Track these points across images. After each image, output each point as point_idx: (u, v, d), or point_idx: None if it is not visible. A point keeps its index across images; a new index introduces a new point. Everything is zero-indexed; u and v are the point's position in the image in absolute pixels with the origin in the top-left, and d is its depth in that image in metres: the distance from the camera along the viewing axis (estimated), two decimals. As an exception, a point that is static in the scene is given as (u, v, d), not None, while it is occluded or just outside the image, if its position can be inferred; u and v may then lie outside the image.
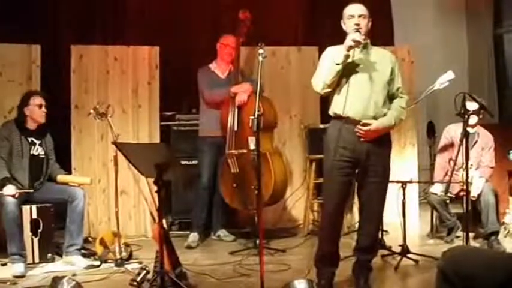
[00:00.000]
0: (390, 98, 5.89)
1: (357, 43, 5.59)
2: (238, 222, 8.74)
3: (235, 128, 7.88)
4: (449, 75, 7.26)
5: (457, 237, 7.84)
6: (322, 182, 6.15)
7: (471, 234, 6.76)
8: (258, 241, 6.39)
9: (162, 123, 8.92)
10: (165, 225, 5.90)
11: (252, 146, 7.20)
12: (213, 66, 8.37)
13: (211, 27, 9.52)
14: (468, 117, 6.60)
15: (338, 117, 5.77)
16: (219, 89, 8.08)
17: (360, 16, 5.79)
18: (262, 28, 8.48)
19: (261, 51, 5.66)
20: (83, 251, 7.33)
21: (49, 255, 7.20)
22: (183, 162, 8.12)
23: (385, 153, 5.93)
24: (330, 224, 5.92)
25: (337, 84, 5.73)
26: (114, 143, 6.36)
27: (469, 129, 6.75)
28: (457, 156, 7.02)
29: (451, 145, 7.95)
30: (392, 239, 7.68)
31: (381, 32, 10.61)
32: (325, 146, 5.98)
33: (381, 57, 5.92)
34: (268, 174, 7.38)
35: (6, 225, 6.84)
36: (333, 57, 5.70)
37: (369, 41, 5.84)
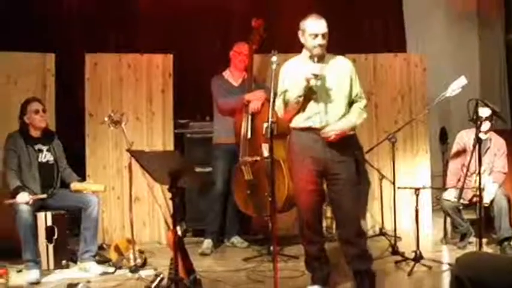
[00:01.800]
0: (350, 103, 5.96)
1: (316, 77, 5.67)
2: (251, 229, 8.76)
3: (249, 136, 7.89)
4: (462, 81, 7.26)
5: (470, 243, 7.84)
6: (294, 191, 6.19)
7: (484, 240, 6.77)
8: (271, 248, 6.41)
9: (176, 130, 8.95)
10: (179, 232, 5.92)
11: (266, 153, 7.25)
12: (226, 74, 8.40)
13: (225, 35, 9.56)
14: (481, 123, 6.61)
15: (301, 129, 5.87)
16: (233, 97, 8.10)
17: (323, 36, 5.83)
18: (275, 35, 8.51)
19: (274, 58, 5.66)
20: (97, 257, 7.35)
21: (64, 261, 7.24)
22: (197, 170, 8.13)
23: (349, 160, 5.96)
24: (309, 230, 6.03)
25: None
26: (129, 150, 6.40)
27: (482, 135, 6.74)
28: (469, 162, 7.02)
29: (464, 151, 7.95)
30: (405, 245, 7.68)
31: (393, 40, 10.69)
32: (289, 157, 6.10)
33: (338, 66, 5.99)
34: (282, 181, 7.39)
35: (21, 232, 6.86)
36: (292, 74, 5.84)
37: (325, 52, 5.90)
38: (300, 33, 5.93)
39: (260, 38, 8.12)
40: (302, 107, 5.82)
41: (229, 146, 8.16)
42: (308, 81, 5.68)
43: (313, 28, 5.82)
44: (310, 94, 5.78)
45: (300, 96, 5.72)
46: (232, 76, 8.37)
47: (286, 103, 5.79)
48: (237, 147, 8.04)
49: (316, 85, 5.77)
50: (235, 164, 8.10)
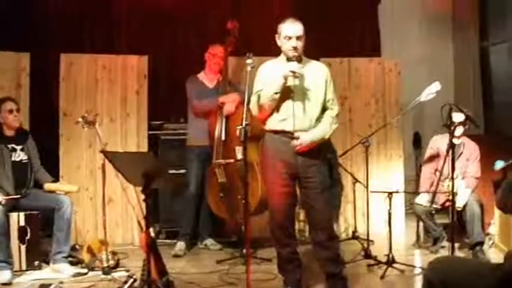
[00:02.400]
0: (323, 109, 6.00)
1: (294, 73, 5.69)
2: (225, 232, 8.74)
3: (223, 138, 7.90)
4: (436, 86, 7.30)
5: (443, 247, 7.90)
6: (267, 194, 6.21)
7: (456, 244, 6.81)
8: (244, 250, 6.42)
9: (150, 132, 8.94)
10: (152, 234, 5.91)
11: (239, 156, 7.24)
12: (201, 76, 8.40)
13: (200, 37, 9.53)
14: (454, 129, 6.64)
15: (274, 131, 5.91)
16: (207, 99, 8.10)
17: (298, 38, 5.87)
18: (251, 38, 8.53)
19: (249, 61, 5.69)
20: (70, 258, 7.34)
21: (36, 262, 7.20)
22: (171, 171, 8.11)
23: (321, 165, 5.99)
24: (282, 233, 6.06)
25: None
26: (102, 151, 6.38)
27: (455, 140, 6.79)
28: (442, 167, 7.07)
29: (437, 156, 8.00)
30: (378, 248, 7.70)
31: (368, 44, 10.73)
32: (262, 159, 6.15)
33: (315, 71, 6.04)
34: (256, 183, 7.40)
35: (-7, 233, 6.84)
36: (269, 76, 5.87)
37: (302, 56, 5.93)
38: (277, 36, 5.98)
39: (235, 40, 8.13)
40: (276, 109, 5.84)
41: (203, 148, 8.16)
42: (286, 78, 5.72)
43: (288, 31, 5.88)
44: (286, 95, 5.81)
45: (276, 93, 5.74)
46: (207, 78, 8.38)
47: (260, 102, 5.80)
48: (211, 150, 8.04)
49: (293, 85, 5.80)
50: (208, 167, 8.11)
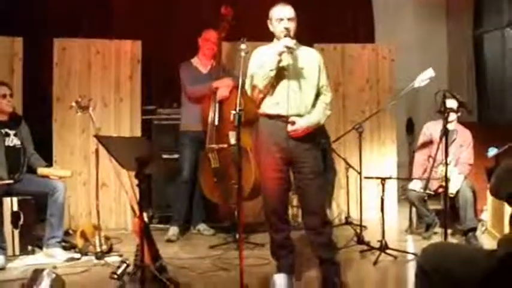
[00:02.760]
0: (316, 95, 5.99)
1: (289, 49, 5.69)
2: (218, 217, 8.77)
3: (216, 123, 7.89)
4: (430, 72, 7.31)
5: (435, 233, 7.94)
6: (260, 179, 6.20)
7: (449, 231, 6.83)
8: (237, 235, 6.43)
9: (144, 117, 8.95)
10: (145, 219, 5.91)
11: (233, 141, 7.24)
12: (195, 61, 8.39)
13: (194, 22, 9.48)
14: (448, 115, 6.66)
15: (268, 116, 5.89)
16: (201, 84, 8.09)
17: (289, 19, 5.86)
18: (244, 24, 8.51)
19: (243, 46, 5.66)
20: (63, 243, 7.35)
21: (29, 247, 7.22)
22: (164, 156, 8.10)
23: (314, 149, 5.98)
24: (275, 218, 6.02)
25: None
26: (96, 136, 6.36)
27: (448, 126, 6.81)
28: (436, 153, 7.10)
29: (430, 142, 8.02)
30: (371, 234, 7.72)
31: (361, 30, 10.73)
32: (256, 144, 6.12)
33: (308, 56, 6.02)
34: (249, 168, 7.39)
35: (-14, 218, 6.84)
36: (263, 59, 5.82)
37: (295, 41, 5.87)
38: (268, 22, 5.98)
39: (229, 26, 8.09)
40: (271, 93, 5.83)
41: (196, 133, 8.16)
42: (281, 54, 5.70)
43: (279, 13, 5.88)
44: (280, 79, 5.79)
45: (271, 70, 5.70)
46: (201, 63, 8.37)
47: (255, 82, 5.79)
48: (204, 135, 8.04)
49: (287, 66, 5.80)
50: (201, 152, 8.11)
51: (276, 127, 5.84)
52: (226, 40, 8.32)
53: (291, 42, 5.71)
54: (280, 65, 5.76)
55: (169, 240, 8.00)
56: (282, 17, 5.85)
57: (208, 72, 8.32)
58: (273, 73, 5.72)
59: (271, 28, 5.97)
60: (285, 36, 5.77)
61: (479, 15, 10.96)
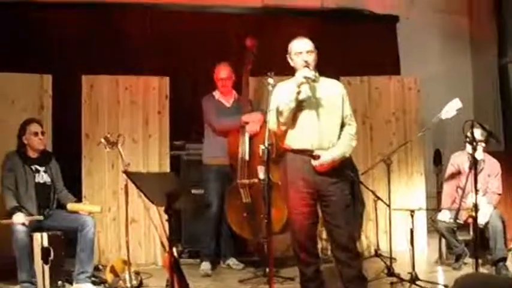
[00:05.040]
0: (341, 126, 6.00)
1: (308, 79, 5.71)
2: (247, 251, 8.75)
3: (247, 157, 7.90)
4: (457, 103, 7.31)
5: (465, 263, 7.88)
6: (288, 213, 6.20)
7: (479, 261, 6.79)
8: (267, 269, 6.42)
9: (172, 152, 8.97)
10: (175, 254, 5.93)
11: (262, 175, 7.23)
12: (217, 94, 8.39)
13: (220, 56, 9.50)
14: (477, 144, 6.66)
15: (293, 150, 5.90)
16: (229, 118, 8.10)
17: (307, 52, 5.92)
18: (271, 58, 8.56)
19: (270, 80, 5.70)
20: (93, 278, 7.35)
21: (60, 282, 7.19)
22: (193, 191, 8.12)
23: (341, 183, 5.98)
24: (304, 252, 6.03)
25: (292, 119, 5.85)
26: (125, 171, 6.40)
27: (477, 155, 6.80)
28: (465, 184, 7.09)
29: (458, 173, 8.00)
30: (401, 266, 7.69)
31: (387, 62, 10.76)
32: (283, 178, 6.09)
33: (330, 87, 6.06)
34: (282, 203, 7.37)
35: (17, 253, 6.89)
36: (284, 94, 5.84)
37: (317, 73, 5.92)
38: (288, 57, 6.05)
39: (254, 58, 8.12)
40: (295, 127, 5.85)
41: (221, 167, 8.17)
42: (300, 85, 5.74)
43: (297, 46, 5.98)
44: (303, 113, 5.83)
45: (291, 102, 5.73)
46: (223, 97, 8.38)
47: (277, 117, 5.82)
48: (230, 169, 8.07)
49: (310, 101, 5.82)
50: (228, 186, 8.12)
51: (301, 161, 5.86)
52: (253, 73, 8.32)
53: (310, 73, 5.74)
54: (301, 97, 5.78)
55: (206, 275, 7.99)
56: (300, 50, 5.93)
57: (232, 105, 8.34)
58: (293, 104, 5.74)
59: (291, 63, 6.03)
60: (305, 68, 5.81)
61: (503, 45, 10.98)
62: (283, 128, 5.87)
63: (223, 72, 8.29)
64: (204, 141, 8.51)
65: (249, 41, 8.12)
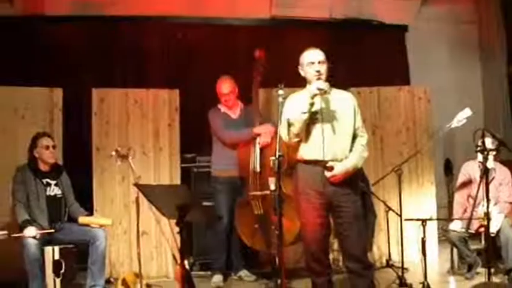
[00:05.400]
0: (352, 137, 6.02)
1: (322, 91, 5.72)
2: (258, 263, 8.74)
3: (258, 170, 7.90)
4: (467, 112, 7.30)
5: (477, 273, 7.83)
6: (300, 224, 6.20)
7: (491, 270, 6.78)
8: (279, 281, 6.41)
9: (183, 165, 8.97)
10: (186, 266, 5.93)
11: (273, 187, 7.22)
12: (222, 108, 8.40)
13: (230, 68, 9.54)
14: (488, 153, 6.65)
15: (305, 161, 5.92)
16: (239, 130, 8.11)
17: (319, 62, 5.95)
18: (282, 70, 8.56)
19: (280, 92, 5.72)
20: (105, 291, 7.37)
21: (71, 296, 7.26)
22: (204, 204, 8.12)
23: (353, 194, 5.99)
24: (316, 263, 6.04)
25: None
26: (136, 184, 6.41)
27: (488, 164, 6.79)
28: (477, 193, 7.07)
29: (469, 182, 8.00)
30: (412, 276, 7.68)
31: (396, 72, 10.77)
32: (295, 189, 6.11)
33: (342, 99, 6.08)
34: (294, 214, 7.36)
35: (28, 267, 6.89)
36: (297, 105, 5.86)
37: (327, 83, 5.92)
38: (299, 68, 6.07)
39: (263, 69, 8.10)
40: (308, 138, 5.87)
41: (230, 179, 8.18)
42: (314, 96, 5.75)
43: (310, 57, 5.99)
44: (316, 124, 5.86)
45: (304, 113, 5.75)
46: (228, 109, 8.39)
47: (289, 127, 5.84)
48: (240, 181, 8.08)
49: (322, 112, 5.84)
50: (237, 198, 8.13)
51: (313, 172, 5.87)
52: (263, 84, 8.31)
53: (324, 85, 5.77)
54: (314, 109, 5.80)
55: (218, 287, 8.01)
56: (313, 61, 5.95)
57: (239, 117, 8.36)
58: (306, 116, 5.76)
59: (302, 73, 6.05)
60: (318, 79, 5.83)
61: (512, 53, 11.01)
62: (296, 139, 5.90)
63: (224, 87, 8.29)
64: (212, 153, 8.51)
65: (258, 52, 8.10)
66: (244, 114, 8.35)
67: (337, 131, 5.90)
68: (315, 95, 5.76)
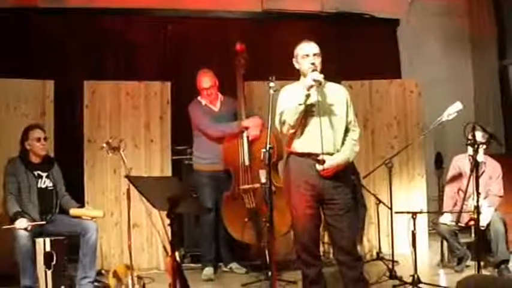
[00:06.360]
0: (345, 131, 6.05)
1: (318, 82, 5.74)
2: (249, 255, 8.75)
3: (247, 163, 7.89)
4: (457, 106, 7.32)
5: (467, 266, 7.88)
6: (291, 215, 6.19)
7: (481, 263, 6.81)
8: (270, 273, 6.43)
9: (174, 157, 8.99)
10: (177, 258, 5.93)
11: (263, 179, 7.23)
12: (203, 100, 8.36)
13: (220, 61, 9.55)
14: (478, 147, 6.67)
15: (298, 154, 5.94)
16: (225, 124, 8.10)
17: (314, 55, 5.97)
18: (272, 62, 8.58)
19: (271, 84, 5.72)
20: (96, 283, 7.38)
21: (62, 287, 7.25)
22: (195, 196, 8.10)
23: (344, 186, 6.02)
24: (307, 254, 6.05)
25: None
26: (127, 176, 6.41)
27: (479, 158, 6.81)
28: (467, 186, 7.09)
29: (460, 175, 8.02)
30: (403, 269, 7.72)
31: (388, 66, 10.78)
32: (286, 181, 6.12)
33: (335, 92, 6.10)
34: (285, 206, 7.35)
35: (19, 258, 6.89)
36: (291, 97, 5.88)
37: (322, 75, 5.93)
38: (294, 60, 6.08)
39: (245, 61, 8.09)
40: (301, 131, 5.89)
41: (214, 173, 8.17)
42: (309, 88, 5.76)
43: (305, 49, 6.01)
44: (310, 118, 5.87)
45: (300, 105, 5.76)
46: (210, 102, 8.35)
47: (284, 118, 5.85)
48: (224, 175, 8.09)
49: (316, 105, 5.84)
50: (223, 191, 8.12)
51: (305, 165, 5.89)
52: (253, 77, 8.34)
53: (319, 76, 5.78)
54: (310, 101, 5.81)
55: (209, 279, 8.01)
56: (308, 53, 5.96)
57: (220, 109, 8.33)
58: (301, 108, 5.77)
59: (297, 66, 6.06)
60: (313, 71, 5.84)
61: (503, 47, 11.01)
62: (291, 131, 5.91)
63: (205, 81, 8.27)
64: (194, 146, 8.50)
65: (238, 45, 8.10)
66: (225, 106, 8.34)
67: (331, 124, 5.92)
68: (311, 86, 5.77)
